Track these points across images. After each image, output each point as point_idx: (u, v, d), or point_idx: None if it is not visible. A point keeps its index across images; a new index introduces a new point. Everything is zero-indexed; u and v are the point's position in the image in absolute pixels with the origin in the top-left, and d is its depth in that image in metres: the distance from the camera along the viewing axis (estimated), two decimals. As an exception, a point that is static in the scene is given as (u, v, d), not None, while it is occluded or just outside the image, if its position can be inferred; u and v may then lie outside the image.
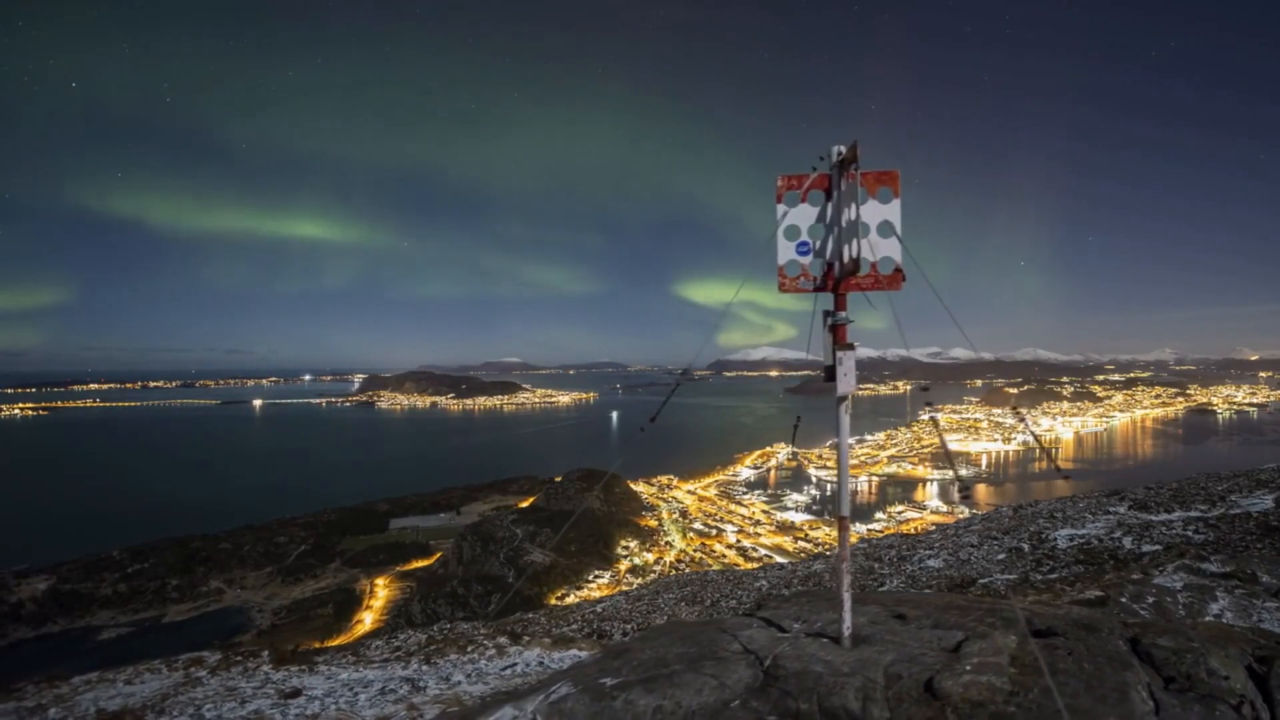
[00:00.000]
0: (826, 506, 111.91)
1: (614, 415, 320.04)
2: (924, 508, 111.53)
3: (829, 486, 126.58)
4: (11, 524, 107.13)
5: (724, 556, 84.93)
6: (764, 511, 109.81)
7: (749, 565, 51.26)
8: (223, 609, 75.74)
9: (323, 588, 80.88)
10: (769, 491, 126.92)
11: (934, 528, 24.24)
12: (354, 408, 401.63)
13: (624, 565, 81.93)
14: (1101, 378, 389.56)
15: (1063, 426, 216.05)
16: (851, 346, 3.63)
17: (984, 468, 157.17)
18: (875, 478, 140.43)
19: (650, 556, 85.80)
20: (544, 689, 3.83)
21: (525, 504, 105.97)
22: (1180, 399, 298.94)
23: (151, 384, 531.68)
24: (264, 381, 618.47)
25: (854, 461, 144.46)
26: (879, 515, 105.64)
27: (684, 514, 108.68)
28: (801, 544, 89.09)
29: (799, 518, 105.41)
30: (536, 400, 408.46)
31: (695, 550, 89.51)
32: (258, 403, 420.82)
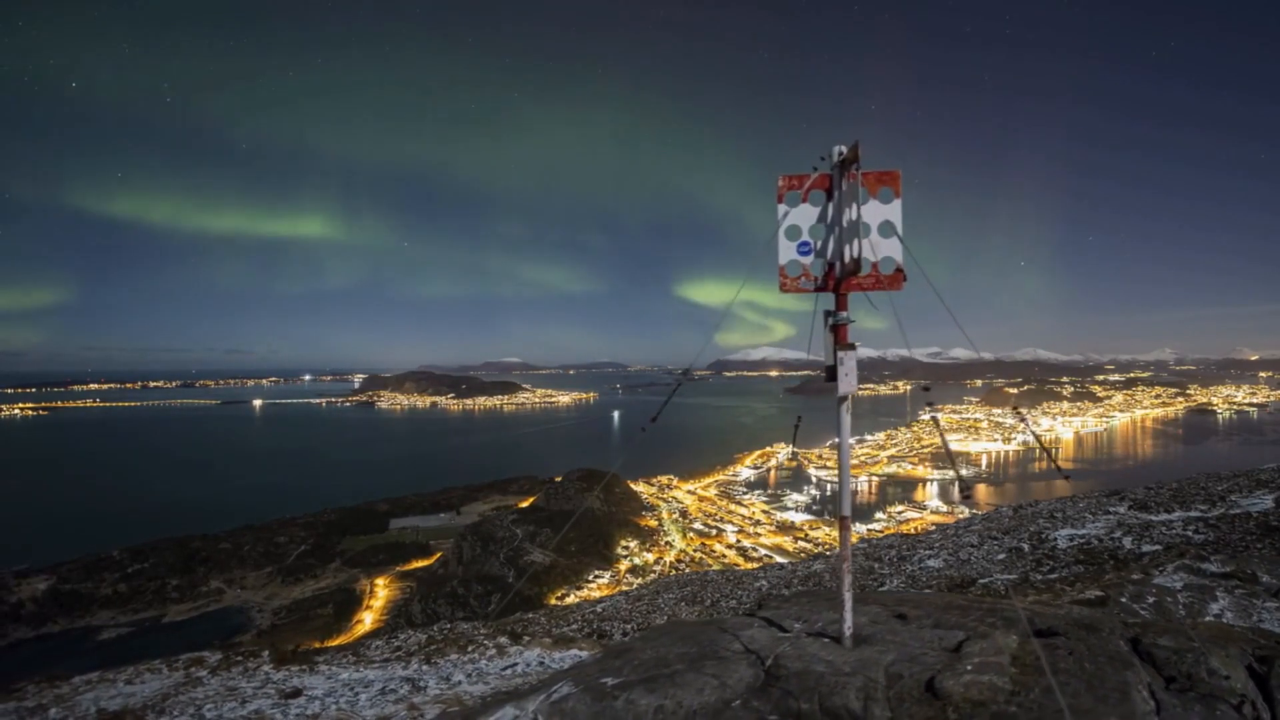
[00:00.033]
0: (826, 506, 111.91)
1: (615, 415, 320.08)
2: (924, 508, 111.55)
3: (829, 486, 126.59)
4: (11, 524, 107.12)
5: (724, 556, 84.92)
6: (764, 511, 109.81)
7: (749, 565, 51.26)
8: (223, 609, 75.71)
9: (323, 588, 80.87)
10: (769, 491, 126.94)
11: (934, 528, 24.25)
12: (354, 408, 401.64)
13: (624, 565, 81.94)
14: (1101, 378, 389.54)
15: (1063, 426, 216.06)
16: (853, 346, 3.63)
17: (984, 468, 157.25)
18: (875, 478, 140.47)
19: (650, 556, 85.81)
20: (545, 689, 3.83)
21: (525, 504, 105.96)
22: (1180, 399, 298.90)
23: (151, 384, 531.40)
24: (264, 381, 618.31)
25: (854, 461, 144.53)
26: (879, 515, 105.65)
27: (684, 514, 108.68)
28: (801, 544, 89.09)
29: (799, 518, 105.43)
30: (536, 400, 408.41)
31: (695, 550, 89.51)
32: (258, 403, 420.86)
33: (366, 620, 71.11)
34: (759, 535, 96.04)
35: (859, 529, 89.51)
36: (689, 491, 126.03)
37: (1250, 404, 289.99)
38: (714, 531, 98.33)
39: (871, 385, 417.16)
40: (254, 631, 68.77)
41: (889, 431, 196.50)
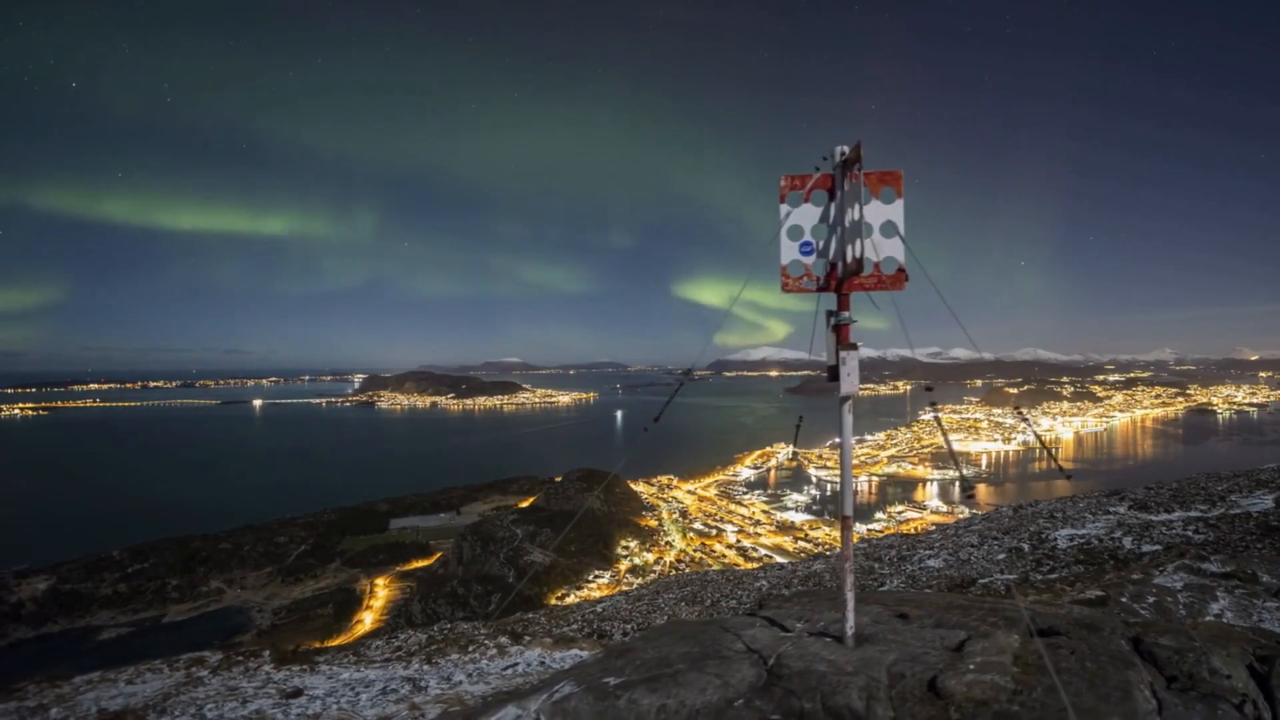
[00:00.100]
0: (826, 506, 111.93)
1: (618, 415, 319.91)
2: (924, 508, 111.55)
3: (829, 486, 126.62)
4: (11, 524, 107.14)
5: (724, 556, 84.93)
6: (764, 511, 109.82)
7: (749, 565, 51.27)
8: (223, 609, 75.73)
9: (323, 588, 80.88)
10: (769, 491, 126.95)
11: (934, 528, 24.25)
12: (354, 408, 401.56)
13: (624, 565, 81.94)
14: (1101, 378, 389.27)
15: (1063, 426, 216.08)
16: (855, 346, 3.63)
17: (984, 468, 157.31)
18: (875, 478, 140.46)
19: (650, 556, 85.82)
20: (547, 688, 3.83)
21: (525, 504, 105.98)
22: (1180, 399, 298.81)
23: (151, 384, 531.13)
24: (264, 381, 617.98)
25: (854, 461, 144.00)
26: (879, 515, 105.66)
27: (684, 514, 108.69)
28: (801, 544, 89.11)
29: (799, 518, 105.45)
30: (536, 400, 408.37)
31: (695, 550, 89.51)
32: (258, 403, 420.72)
33: (367, 620, 71.12)
34: (759, 535, 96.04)
35: (859, 529, 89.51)
36: (689, 491, 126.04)
37: (1250, 404, 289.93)
38: (714, 531, 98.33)
39: (872, 385, 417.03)
40: (254, 631, 68.78)
41: (889, 431, 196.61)
